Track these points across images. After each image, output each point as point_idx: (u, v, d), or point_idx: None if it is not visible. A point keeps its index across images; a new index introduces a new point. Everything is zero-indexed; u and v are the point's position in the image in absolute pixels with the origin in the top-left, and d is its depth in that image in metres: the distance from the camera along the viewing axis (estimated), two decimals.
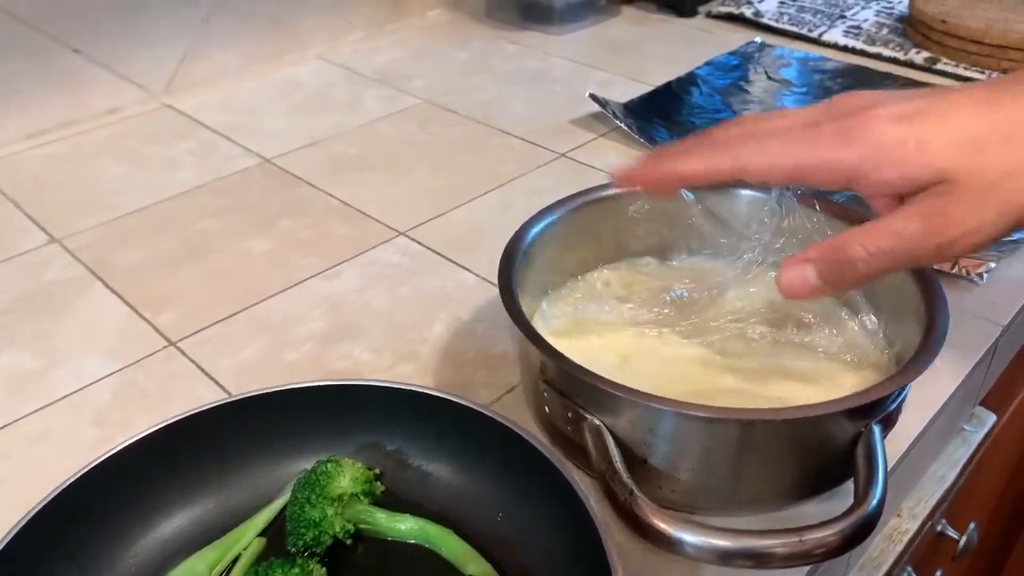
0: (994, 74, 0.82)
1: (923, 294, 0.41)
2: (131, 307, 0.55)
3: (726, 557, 0.33)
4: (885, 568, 0.49)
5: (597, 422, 0.38)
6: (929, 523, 0.73)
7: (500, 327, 0.52)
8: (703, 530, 0.32)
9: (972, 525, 0.80)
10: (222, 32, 0.84)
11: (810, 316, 0.45)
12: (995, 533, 1.24)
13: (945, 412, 0.48)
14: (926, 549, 0.77)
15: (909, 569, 0.74)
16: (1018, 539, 1.23)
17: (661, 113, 0.78)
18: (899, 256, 0.34)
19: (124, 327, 0.53)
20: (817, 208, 0.47)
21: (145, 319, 0.54)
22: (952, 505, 0.79)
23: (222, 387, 0.48)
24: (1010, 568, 1.27)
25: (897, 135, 0.33)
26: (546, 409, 0.41)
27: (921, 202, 0.33)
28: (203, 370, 0.50)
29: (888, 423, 0.38)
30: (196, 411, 0.40)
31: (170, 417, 0.39)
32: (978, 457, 0.81)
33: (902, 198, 0.35)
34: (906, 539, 0.51)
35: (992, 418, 0.59)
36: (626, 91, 0.82)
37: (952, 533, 0.79)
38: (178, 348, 0.51)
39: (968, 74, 0.83)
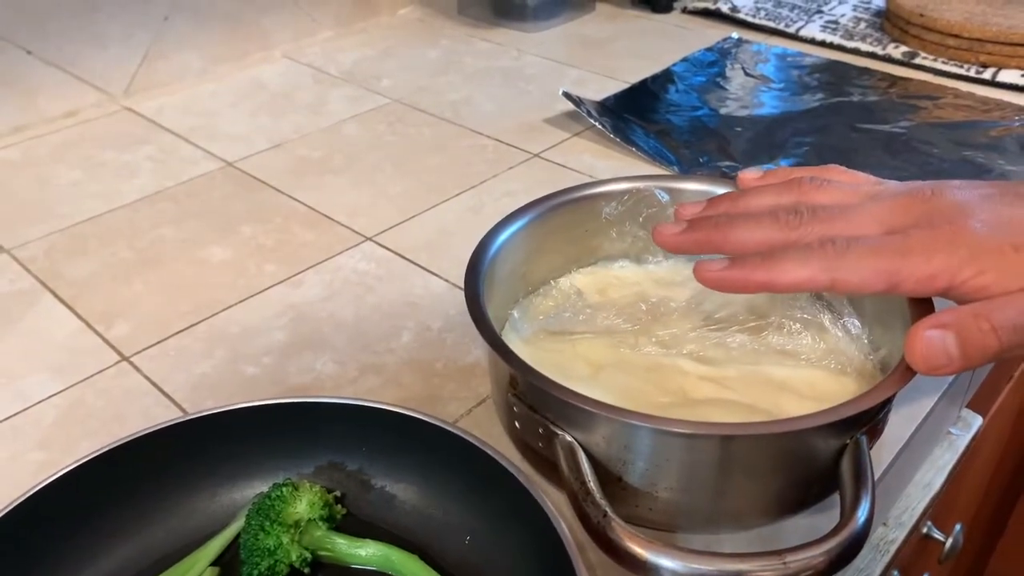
0: (973, 68, 0.81)
1: (909, 298, 0.39)
2: (82, 320, 0.52)
3: None
4: None
5: (569, 438, 0.35)
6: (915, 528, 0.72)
7: (471, 336, 0.50)
8: (680, 554, 0.30)
9: (958, 527, 0.79)
10: (183, 31, 0.81)
11: (791, 323, 0.43)
12: (978, 532, 1.24)
13: (931, 418, 0.46)
14: (912, 552, 0.76)
15: (896, 573, 0.73)
16: (1000, 537, 1.23)
17: (637, 111, 0.76)
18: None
19: (74, 342, 0.50)
20: None
21: (97, 332, 0.51)
22: (938, 507, 0.78)
23: (177, 404, 0.46)
24: (992, 567, 1.26)
25: (991, 241, 0.34)
26: (516, 424, 0.38)
27: None
28: (157, 386, 0.47)
29: (874, 433, 0.37)
30: (146, 432, 0.37)
31: (118, 439, 0.37)
32: (963, 459, 0.80)
33: None
34: (893, 549, 0.49)
35: (979, 420, 0.57)
36: (601, 89, 0.80)
37: (938, 535, 0.78)
38: (131, 363, 0.49)
39: (948, 68, 0.82)
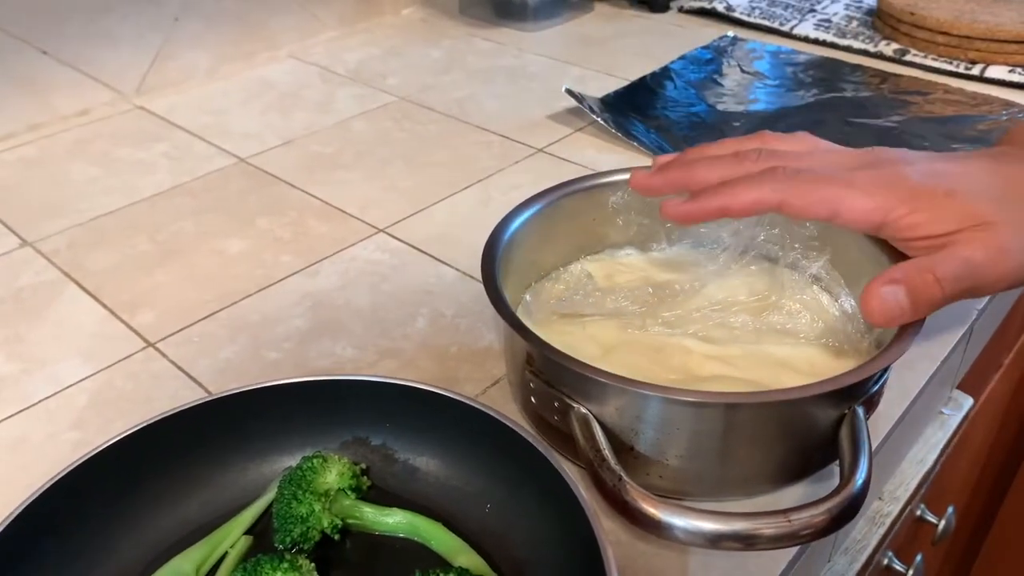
0: (962, 64, 0.84)
1: None
2: (107, 309, 0.54)
3: (715, 540, 0.33)
4: (868, 551, 0.49)
5: (584, 410, 0.38)
6: (909, 508, 0.74)
7: (483, 321, 0.52)
8: (691, 513, 0.33)
9: (950, 509, 0.81)
10: (193, 32, 0.83)
11: (791, 303, 0.46)
12: (972, 516, 1.26)
13: (924, 395, 0.48)
14: (906, 534, 0.78)
15: (890, 554, 0.75)
16: (994, 521, 1.25)
17: (637, 107, 0.78)
18: (966, 283, 0.37)
19: (100, 329, 0.52)
20: None
21: (122, 320, 0.53)
22: (931, 490, 0.80)
23: (203, 387, 0.48)
24: (987, 550, 1.29)
25: (927, 185, 0.38)
26: (532, 399, 0.41)
27: (973, 236, 0.37)
28: (183, 370, 0.49)
29: (871, 405, 0.39)
30: (176, 410, 0.39)
31: (150, 418, 0.39)
32: (955, 441, 0.82)
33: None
34: (888, 521, 0.51)
35: (969, 401, 0.60)
36: (602, 86, 0.82)
37: (931, 518, 0.80)
38: (157, 349, 0.51)
39: (937, 64, 0.84)
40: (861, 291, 0.45)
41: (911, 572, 0.74)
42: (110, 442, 0.38)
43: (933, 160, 0.40)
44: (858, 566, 0.49)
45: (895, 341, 0.37)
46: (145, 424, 0.38)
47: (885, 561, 0.74)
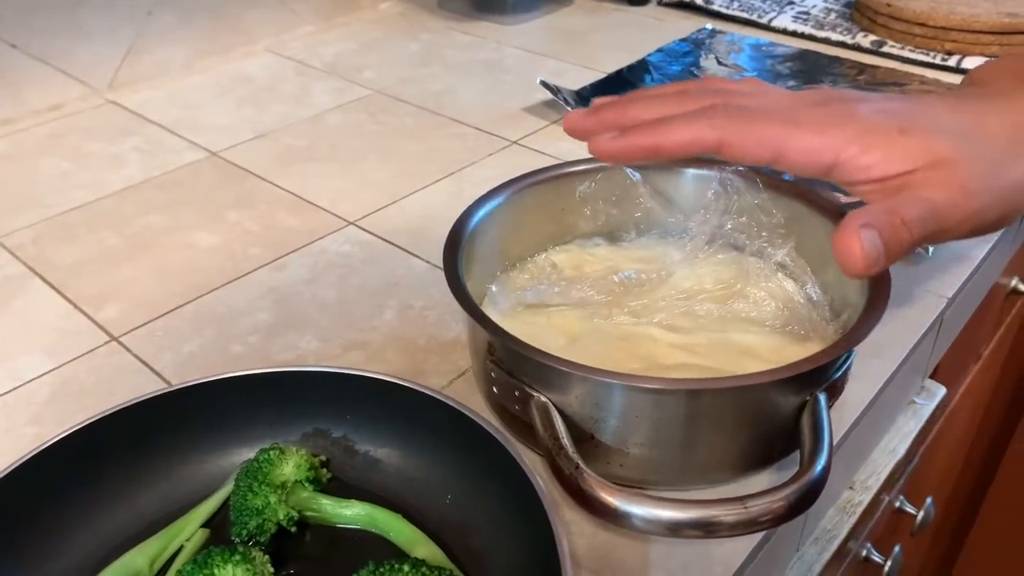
0: (939, 55, 0.84)
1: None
2: (71, 303, 0.53)
3: (673, 528, 0.32)
4: (839, 540, 0.49)
5: (544, 399, 0.37)
6: (886, 499, 0.74)
7: (452, 313, 0.52)
8: (648, 501, 0.32)
9: (929, 500, 0.81)
10: (166, 26, 0.82)
11: (756, 292, 0.45)
12: (955, 510, 1.26)
13: (893, 384, 0.48)
14: (885, 525, 0.78)
15: (868, 546, 0.75)
16: (978, 513, 1.26)
17: None
18: (931, 225, 0.34)
19: (64, 324, 0.52)
20: (760, 186, 0.47)
21: (86, 315, 0.52)
22: (909, 481, 0.80)
23: (166, 380, 0.47)
24: (970, 544, 1.29)
25: (880, 122, 0.35)
26: (494, 389, 0.40)
27: (931, 176, 0.34)
28: (147, 364, 0.48)
29: (833, 392, 0.39)
30: (133, 402, 0.39)
31: (105, 410, 0.38)
32: (933, 433, 0.82)
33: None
34: (859, 511, 0.51)
35: (942, 391, 0.59)
36: (579, 79, 0.82)
37: (910, 508, 0.80)
38: (120, 343, 0.50)
39: (914, 56, 0.84)
40: (827, 276, 0.45)
41: (889, 564, 0.74)
42: (63, 434, 0.37)
43: (888, 99, 0.37)
44: (828, 556, 0.48)
45: (856, 327, 0.37)
46: (100, 416, 0.38)
47: (864, 553, 0.74)
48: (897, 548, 0.76)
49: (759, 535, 0.38)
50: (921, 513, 0.79)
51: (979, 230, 0.36)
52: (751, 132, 0.36)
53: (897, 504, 0.80)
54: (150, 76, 0.83)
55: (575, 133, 0.42)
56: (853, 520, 0.50)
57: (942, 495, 1.12)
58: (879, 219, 0.34)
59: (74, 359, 0.49)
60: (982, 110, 0.36)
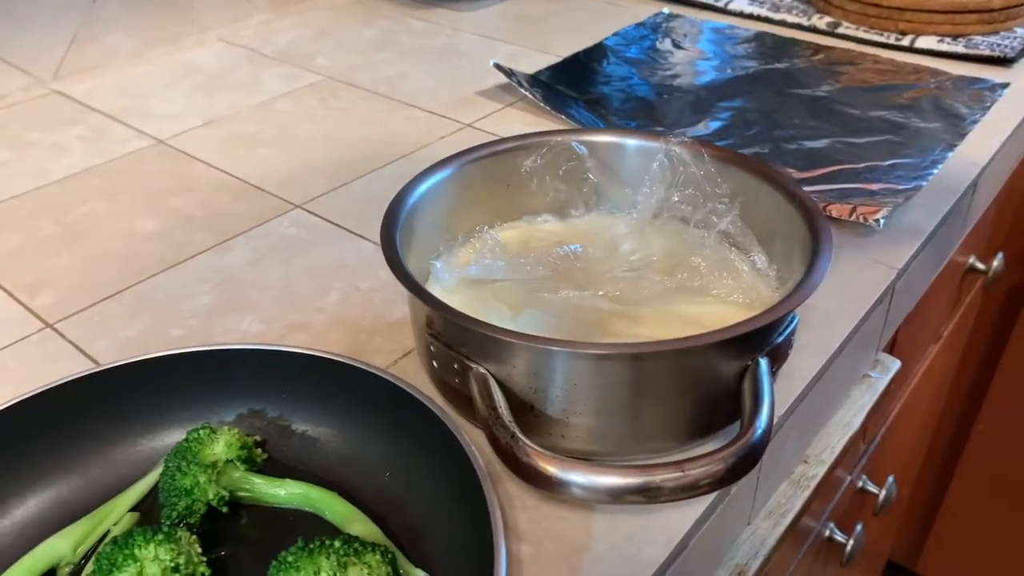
0: (892, 35, 0.84)
1: (809, 231, 0.41)
2: (4, 291, 0.52)
3: (615, 494, 0.32)
4: (793, 514, 0.49)
5: (482, 370, 0.36)
6: (848, 478, 0.74)
7: (398, 293, 0.51)
8: (587, 468, 0.32)
9: (891, 479, 0.81)
10: (112, 14, 0.81)
11: (702, 262, 0.45)
12: (924, 491, 1.27)
13: (844, 354, 0.48)
14: (848, 505, 0.78)
15: (831, 525, 0.75)
16: (945, 495, 1.27)
17: (569, 83, 0.77)
18: None
19: None
20: (706, 158, 0.47)
21: (20, 302, 0.51)
22: (871, 460, 0.80)
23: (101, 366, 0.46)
24: (939, 523, 1.30)
25: None
26: (434, 364, 0.39)
27: None
28: (81, 350, 0.47)
29: (776, 357, 0.38)
30: (58, 383, 0.37)
31: (27, 391, 0.37)
32: (895, 412, 0.83)
33: None
34: (813, 484, 0.51)
35: (897, 364, 0.59)
36: (535, 63, 0.81)
37: (872, 488, 0.80)
38: (55, 330, 0.48)
39: (869, 36, 0.84)
40: (773, 245, 0.45)
41: (851, 543, 0.74)
42: None
43: None
44: (782, 530, 0.48)
45: (795, 290, 0.36)
46: (21, 398, 0.37)
47: (827, 532, 0.74)
48: (859, 527, 0.76)
49: (703, 505, 0.37)
50: (883, 492, 0.79)
51: None
52: None
53: (860, 484, 0.80)
54: (97, 65, 0.81)
55: None
56: (807, 494, 0.50)
57: (908, 476, 1.12)
58: None
59: (5, 347, 0.47)
60: None
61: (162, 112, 0.74)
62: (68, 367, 0.46)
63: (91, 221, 0.59)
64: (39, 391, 0.37)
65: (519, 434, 0.33)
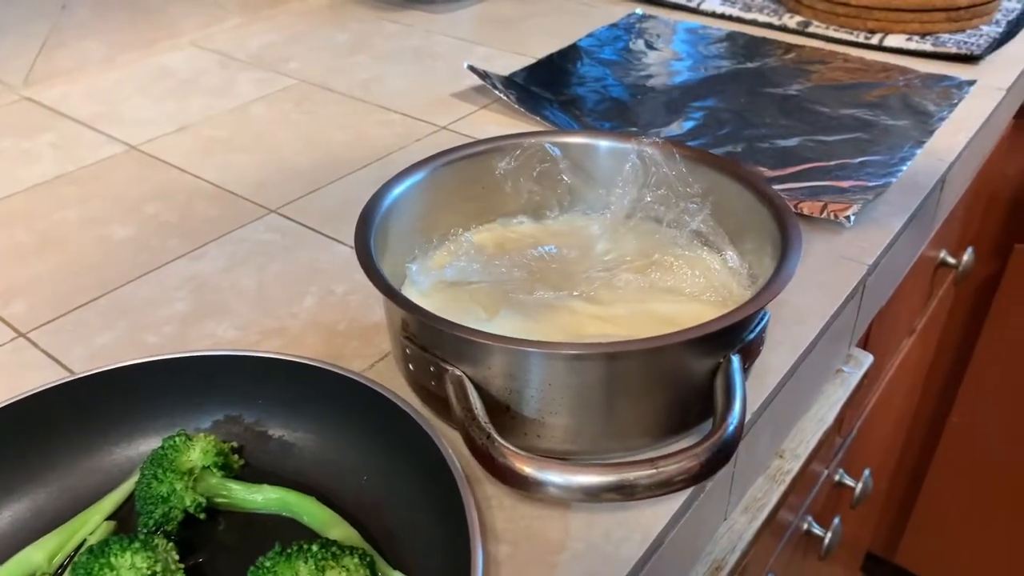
0: (862, 34, 0.85)
1: (779, 228, 0.41)
2: None
3: (591, 492, 0.32)
4: (769, 509, 0.49)
5: (459, 373, 0.37)
6: (825, 471, 0.75)
7: (374, 297, 0.51)
8: (562, 467, 0.32)
9: (867, 472, 0.82)
10: (83, 20, 0.80)
11: (675, 261, 0.45)
12: (900, 484, 1.29)
13: (817, 350, 0.49)
14: (825, 498, 0.79)
15: (809, 519, 0.76)
16: (921, 488, 1.28)
17: (544, 84, 0.78)
18: None
19: None
20: (678, 158, 0.47)
21: None
22: (848, 454, 0.82)
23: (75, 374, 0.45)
24: (916, 516, 1.32)
25: None
26: (410, 367, 0.39)
27: None
28: (55, 359, 0.47)
29: (748, 354, 0.39)
30: (32, 392, 0.37)
31: (2, 400, 0.36)
32: (870, 406, 0.84)
33: None
34: (788, 479, 0.51)
35: (869, 359, 0.60)
36: (509, 65, 0.81)
37: (848, 481, 0.81)
38: (28, 339, 0.48)
39: (839, 35, 0.85)
40: (745, 244, 0.45)
41: (829, 536, 0.75)
42: None
43: None
44: (758, 524, 0.48)
45: (765, 288, 0.37)
46: None
47: (804, 526, 0.75)
48: (837, 520, 0.77)
49: (679, 501, 0.37)
50: (860, 485, 0.81)
51: None
52: None
53: (837, 477, 0.81)
54: (67, 71, 0.80)
55: None
56: (783, 488, 0.51)
57: (885, 468, 1.14)
58: None
59: None
60: None
61: (135, 118, 0.73)
62: (42, 376, 0.45)
63: (64, 228, 0.58)
64: (12, 401, 0.37)
65: (495, 435, 0.33)
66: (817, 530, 0.75)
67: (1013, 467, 1.18)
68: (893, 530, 1.35)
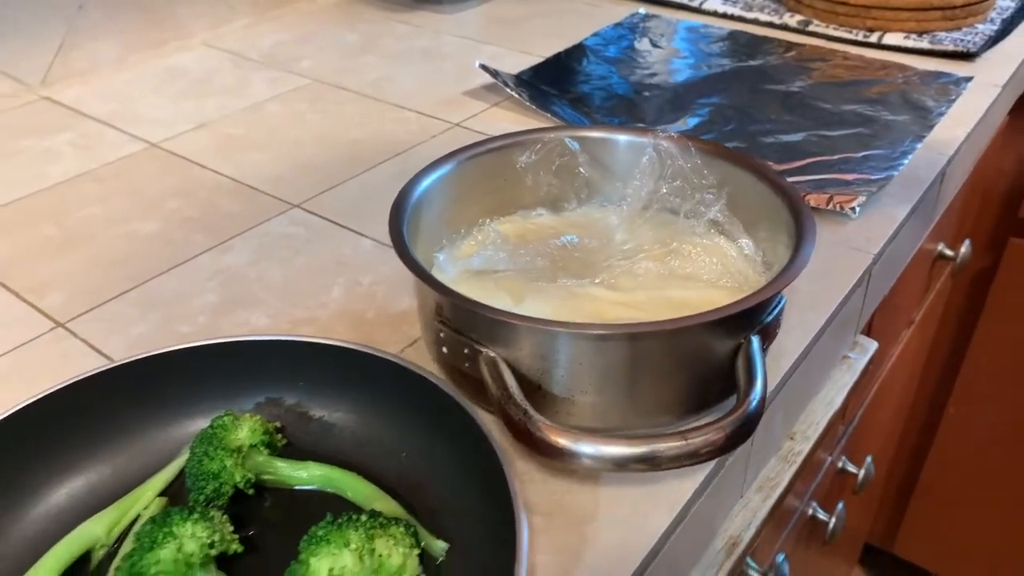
0: (861, 32, 0.87)
1: (794, 217, 0.43)
2: (11, 292, 0.53)
3: (621, 463, 0.34)
4: (781, 488, 0.51)
5: (492, 354, 0.38)
6: (829, 458, 0.77)
7: (400, 287, 0.53)
8: (596, 439, 0.34)
9: (869, 459, 0.84)
10: (98, 21, 0.81)
11: (692, 249, 0.47)
12: (899, 471, 1.31)
13: (827, 335, 0.51)
14: (829, 484, 0.81)
15: (814, 504, 0.78)
16: (919, 477, 1.31)
17: (552, 82, 0.80)
18: None
19: (5, 313, 0.51)
20: (693, 151, 0.49)
21: (29, 303, 0.52)
22: (850, 441, 0.84)
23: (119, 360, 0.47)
24: (914, 503, 1.34)
25: None
26: (444, 350, 0.41)
27: None
28: (94, 348, 0.48)
29: (767, 335, 0.41)
30: (82, 376, 0.39)
31: (55, 384, 0.38)
32: (872, 395, 0.86)
33: None
34: (800, 460, 0.53)
35: (874, 345, 0.62)
36: (517, 64, 0.83)
37: (852, 468, 0.83)
38: (67, 329, 0.50)
39: (838, 33, 0.88)
40: (759, 232, 0.47)
41: (833, 520, 0.77)
42: (11, 411, 0.37)
43: None
44: (772, 502, 0.50)
45: (782, 273, 0.39)
46: (49, 391, 0.38)
47: (810, 512, 0.77)
48: (840, 505, 0.79)
49: (701, 475, 0.39)
50: (862, 472, 0.83)
51: None
52: None
53: (840, 464, 0.83)
54: (83, 71, 0.82)
55: None
56: (794, 469, 0.52)
57: (885, 456, 1.16)
58: None
59: (19, 346, 0.48)
60: None
61: (152, 117, 0.75)
62: (83, 364, 0.47)
63: (91, 224, 0.60)
64: (63, 385, 0.38)
65: (532, 411, 0.35)
66: (822, 515, 0.77)
67: (1009, 457, 1.20)
68: (891, 520, 1.38)
